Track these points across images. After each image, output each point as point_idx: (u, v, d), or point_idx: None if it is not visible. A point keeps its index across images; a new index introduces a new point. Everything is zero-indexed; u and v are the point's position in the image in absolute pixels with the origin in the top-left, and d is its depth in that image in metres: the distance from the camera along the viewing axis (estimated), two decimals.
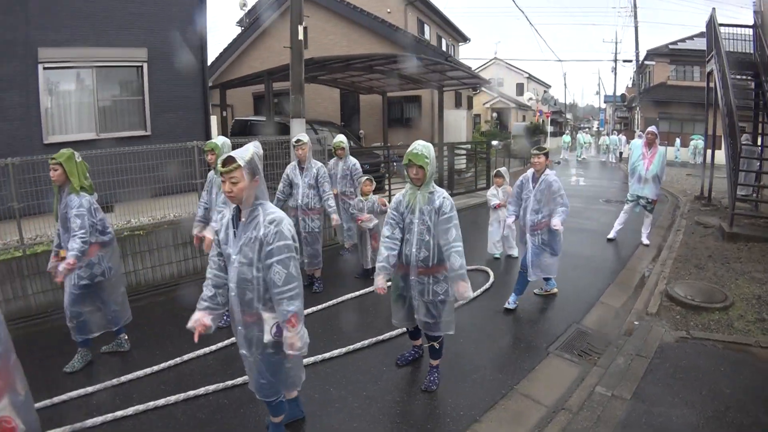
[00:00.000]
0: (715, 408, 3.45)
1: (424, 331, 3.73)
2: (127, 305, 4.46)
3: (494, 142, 13.52)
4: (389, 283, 3.67)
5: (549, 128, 33.79)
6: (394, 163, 14.49)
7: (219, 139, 4.62)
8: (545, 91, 37.11)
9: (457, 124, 17.63)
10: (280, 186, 5.79)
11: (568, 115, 54.00)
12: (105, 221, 4.24)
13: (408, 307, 3.74)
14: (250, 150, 2.69)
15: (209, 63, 19.03)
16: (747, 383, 3.77)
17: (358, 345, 4.42)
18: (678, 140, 25.28)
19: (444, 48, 20.71)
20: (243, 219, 2.73)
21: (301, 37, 7.76)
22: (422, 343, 4.04)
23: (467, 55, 50.01)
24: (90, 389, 3.75)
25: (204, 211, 4.82)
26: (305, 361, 3.90)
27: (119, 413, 3.44)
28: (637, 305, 5.30)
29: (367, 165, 10.15)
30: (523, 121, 32.45)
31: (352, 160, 6.60)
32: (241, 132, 12.21)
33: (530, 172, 5.17)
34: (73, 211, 3.93)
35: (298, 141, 5.58)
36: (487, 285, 5.91)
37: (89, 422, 3.34)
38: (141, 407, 3.50)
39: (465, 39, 23.53)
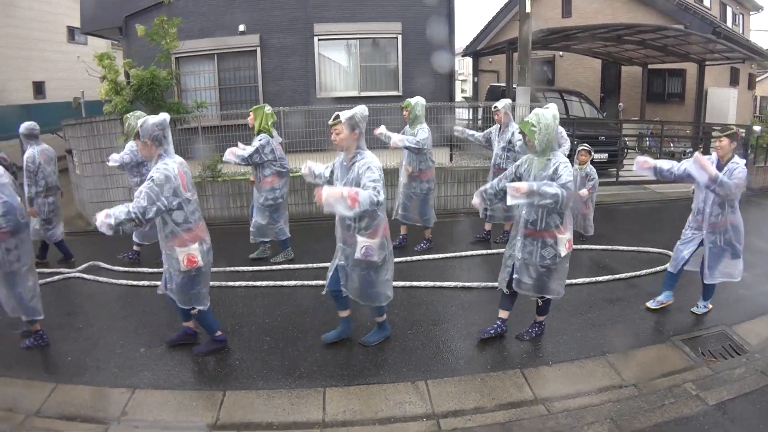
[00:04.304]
0: None
1: (528, 294, 3.71)
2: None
3: (756, 128, 10.93)
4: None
5: None
6: (646, 139, 13.00)
7: (413, 99, 5.49)
8: None
9: (722, 104, 14.57)
10: (480, 135, 6.28)
11: None
12: (284, 158, 5.27)
13: (511, 267, 3.74)
14: (354, 110, 3.27)
15: (477, 33, 19.73)
16: None
17: (489, 284, 4.79)
18: None
19: (729, 18, 16.89)
20: (346, 163, 3.37)
21: (528, 10, 7.89)
22: (508, 317, 3.97)
23: (760, 26, 38.04)
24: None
25: None
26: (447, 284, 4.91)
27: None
28: None
29: (603, 137, 9.72)
30: None
31: (559, 129, 6.43)
32: (494, 98, 12.21)
33: (714, 157, 4.18)
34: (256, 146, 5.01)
35: (495, 108, 5.91)
36: (661, 267, 5.29)
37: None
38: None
39: (757, 8, 18.79)
